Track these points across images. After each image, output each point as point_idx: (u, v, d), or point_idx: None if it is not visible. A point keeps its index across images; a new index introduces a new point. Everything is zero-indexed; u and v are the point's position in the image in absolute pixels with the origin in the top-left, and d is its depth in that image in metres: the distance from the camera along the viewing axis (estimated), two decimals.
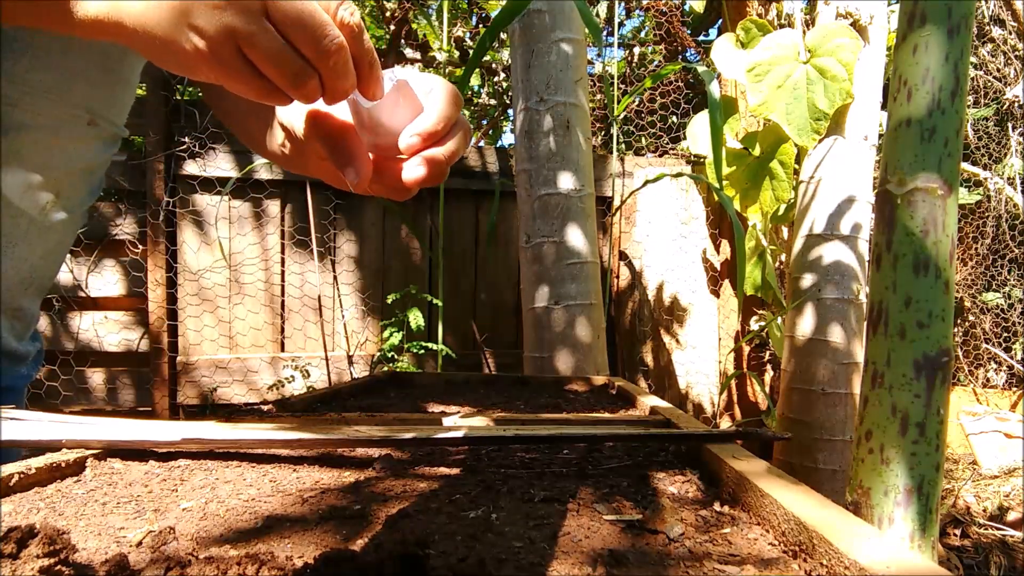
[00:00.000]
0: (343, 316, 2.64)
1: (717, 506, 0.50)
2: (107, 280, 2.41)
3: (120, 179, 2.38)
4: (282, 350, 2.59)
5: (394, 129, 0.49)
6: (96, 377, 2.43)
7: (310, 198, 2.55)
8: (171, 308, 2.44)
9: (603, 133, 3.29)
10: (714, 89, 1.78)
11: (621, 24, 3.30)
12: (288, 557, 0.38)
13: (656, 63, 3.52)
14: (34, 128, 0.62)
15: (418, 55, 3.32)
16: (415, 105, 0.49)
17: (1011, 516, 2.28)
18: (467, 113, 4.52)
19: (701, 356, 2.89)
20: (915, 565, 0.34)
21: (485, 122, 4.35)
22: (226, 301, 2.52)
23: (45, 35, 0.62)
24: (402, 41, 3.23)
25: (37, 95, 0.62)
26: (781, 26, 2.10)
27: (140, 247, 2.40)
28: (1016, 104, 3.39)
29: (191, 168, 2.43)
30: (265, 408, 2.31)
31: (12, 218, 0.63)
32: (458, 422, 0.72)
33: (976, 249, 3.41)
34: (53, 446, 0.58)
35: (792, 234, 2.03)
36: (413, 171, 0.48)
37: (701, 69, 1.93)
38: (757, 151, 2.23)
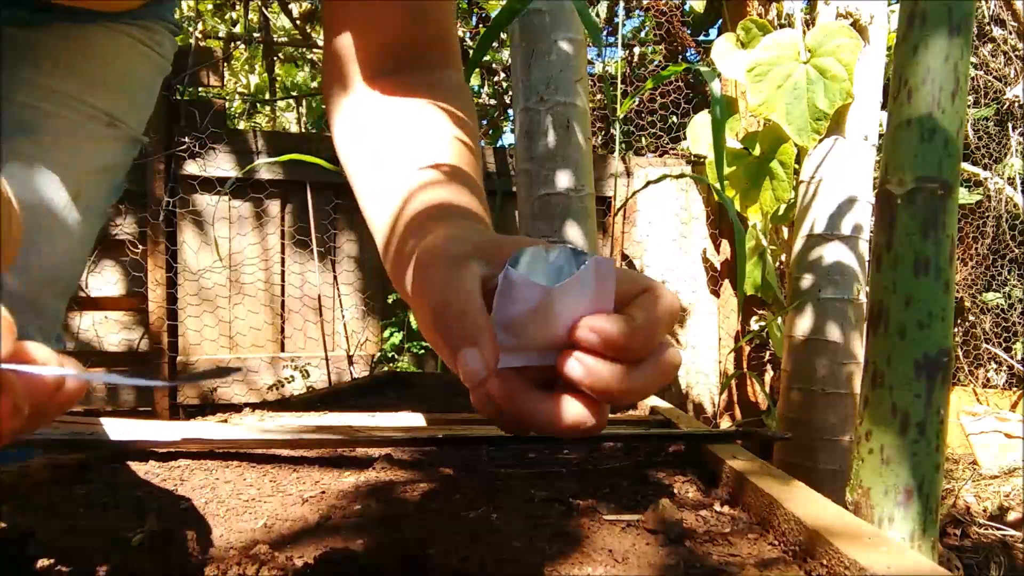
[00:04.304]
0: (343, 316, 2.64)
1: (717, 506, 0.50)
2: (107, 280, 2.41)
3: None
4: (282, 350, 2.59)
5: (560, 320, 0.31)
6: None
7: (310, 198, 2.55)
8: (171, 308, 2.44)
9: (603, 133, 3.29)
10: (716, 88, 1.77)
11: (621, 24, 3.29)
12: (288, 557, 0.38)
13: (656, 63, 3.52)
14: (55, 130, 0.63)
15: None
16: (604, 301, 0.31)
17: (1011, 516, 2.28)
18: None
19: (701, 356, 2.89)
20: (915, 565, 0.34)
21: (485, 122, 4.35)
22: (226, 301, 2.51)
23: (64, 43, 0.63)
24: None
25: (57, 99, 0.63)
26: (781, 26, 2.10)
27: (140, 247, 2.40)
28: (1016, 104, 3.39)
29: (191, 168, 2.43)
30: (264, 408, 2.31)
31: (34, 217, 0.63)
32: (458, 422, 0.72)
33: (976, 249, 3.41)
34: (54, 446, 0.58)
35: (792, 234, 2.03)
36: (573, 368, 0.30)
37: (704, 69, 1.93)
38: (757, 151, 2.23)
